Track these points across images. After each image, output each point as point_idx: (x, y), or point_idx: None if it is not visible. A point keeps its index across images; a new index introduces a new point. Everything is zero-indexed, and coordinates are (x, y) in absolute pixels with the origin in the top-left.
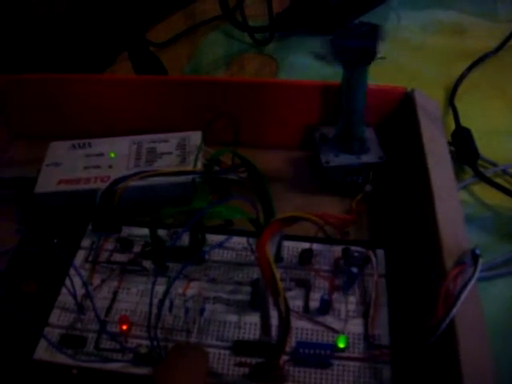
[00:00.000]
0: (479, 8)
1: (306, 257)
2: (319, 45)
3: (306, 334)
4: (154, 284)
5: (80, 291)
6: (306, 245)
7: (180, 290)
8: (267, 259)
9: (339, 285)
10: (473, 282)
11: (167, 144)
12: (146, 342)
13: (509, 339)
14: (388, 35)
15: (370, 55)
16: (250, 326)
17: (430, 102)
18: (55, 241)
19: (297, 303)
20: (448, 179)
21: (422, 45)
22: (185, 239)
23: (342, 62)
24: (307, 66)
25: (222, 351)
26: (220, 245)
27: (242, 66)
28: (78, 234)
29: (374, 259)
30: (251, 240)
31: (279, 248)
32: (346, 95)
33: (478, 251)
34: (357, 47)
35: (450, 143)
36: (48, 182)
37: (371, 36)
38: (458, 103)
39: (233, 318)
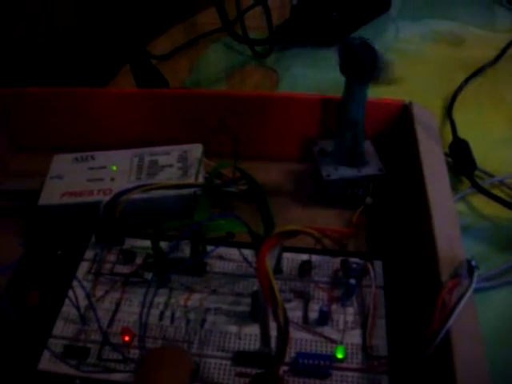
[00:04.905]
0: (478, 18)
1: (305, 269)
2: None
3: (305, 344)
4: (153, 295)
5: (83, 303)
6: (305, 256)
7: (181, 302)
8: (266, 272)
9: (338, 296)
10: (469, 293)
11: (168, 157)
12: None
13: (506, 349)
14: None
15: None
16: (250, 337)
17: (427, 115)
18: (59, 253)
19: (296, 314)
20: (444, 191)
21: (420, 56)
22: (186, 251)
23: (353, 76)
24: (308, 77)
25: (223, 362)
26: (220, 256)
27: (243, 79)
28: (81, 246)
29: (372, 271)
30: (251, 252)
31: (279, 260)
32: (350, 108)
33: (473, 263)
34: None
35: (447, 155)
36: (52, 194)
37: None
38: (455, 114)
39: (233, 329)
